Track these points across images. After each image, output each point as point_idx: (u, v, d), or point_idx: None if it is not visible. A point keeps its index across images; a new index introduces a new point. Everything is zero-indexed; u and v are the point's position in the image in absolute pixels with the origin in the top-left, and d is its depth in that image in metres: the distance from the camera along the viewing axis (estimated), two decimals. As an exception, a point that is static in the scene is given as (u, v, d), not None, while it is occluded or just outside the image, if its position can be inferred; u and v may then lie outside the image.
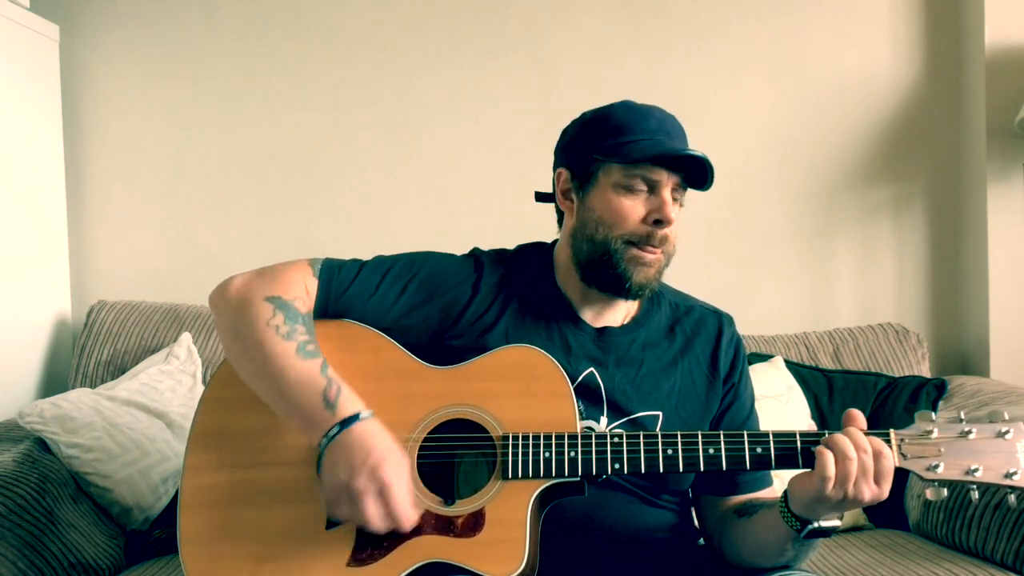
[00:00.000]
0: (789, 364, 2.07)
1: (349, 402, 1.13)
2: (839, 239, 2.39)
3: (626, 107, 1.26)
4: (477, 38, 2.41)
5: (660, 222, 1.21)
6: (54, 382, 2.27)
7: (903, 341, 2.18)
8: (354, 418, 1.11)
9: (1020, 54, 2.20)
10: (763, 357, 2.08)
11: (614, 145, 1.22)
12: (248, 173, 2.43)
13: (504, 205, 2.35)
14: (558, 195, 1.31)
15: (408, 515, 1.10)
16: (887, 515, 1.88)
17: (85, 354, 2.16)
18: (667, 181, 1.21)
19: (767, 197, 2.39)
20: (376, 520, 1.08)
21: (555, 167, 1.33)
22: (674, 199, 1.23)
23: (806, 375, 2.06)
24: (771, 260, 2.40)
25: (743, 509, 1.25)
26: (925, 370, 2.17)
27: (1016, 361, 2.23)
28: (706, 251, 2.37)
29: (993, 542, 1.54)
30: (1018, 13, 2.21)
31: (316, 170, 2.42)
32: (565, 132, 1.33)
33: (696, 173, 1.22)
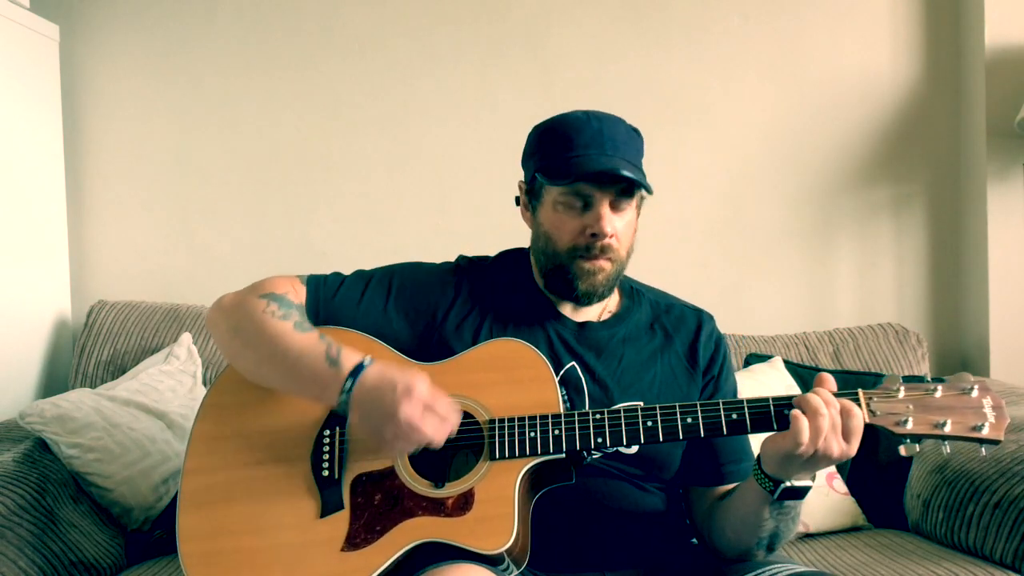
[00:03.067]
0: (789, 364, 2.07)
1: (350, 355, 1.18)
2: (839, 239, 2.39)
3: (567, 120, 1.28)
4: (477, 38, 2.41)
5: (596, 235, 1.24)
6: (54, 382, 2.27)
7: (903, 341, 2.18)
8: (360, 367, 1.16)
9: (1020, 54, 2.20)
10: (763, 357, 2.08)
11: (549, 165, 1.26)
12: (248, 173, 2.43)
13: (503, 205, 2.33)
14: (521, 206, 1.37)
15: (458, 415, 1.16)
16: (887, 515, 1.87)
17: (85, 354, 2.16)
18: (600, 197, 1.24)
19: (767, 197, 2.39)
20: (436, 432, 1.12)
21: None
22: (619, 207, 1.25)
23: (806, 375, 2.06)
24: (771, 260, 2.40)
25: (726, 493, 1.29)
26: (925, 370, 2.16)
27: (1016, 361, 2.23)
28: (706, 251, 2.37)
29: (992, 541, 1.54)
30: (1018, 13, 2.21)
31: (316, 170, 2.42)
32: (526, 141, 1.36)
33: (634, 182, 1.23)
